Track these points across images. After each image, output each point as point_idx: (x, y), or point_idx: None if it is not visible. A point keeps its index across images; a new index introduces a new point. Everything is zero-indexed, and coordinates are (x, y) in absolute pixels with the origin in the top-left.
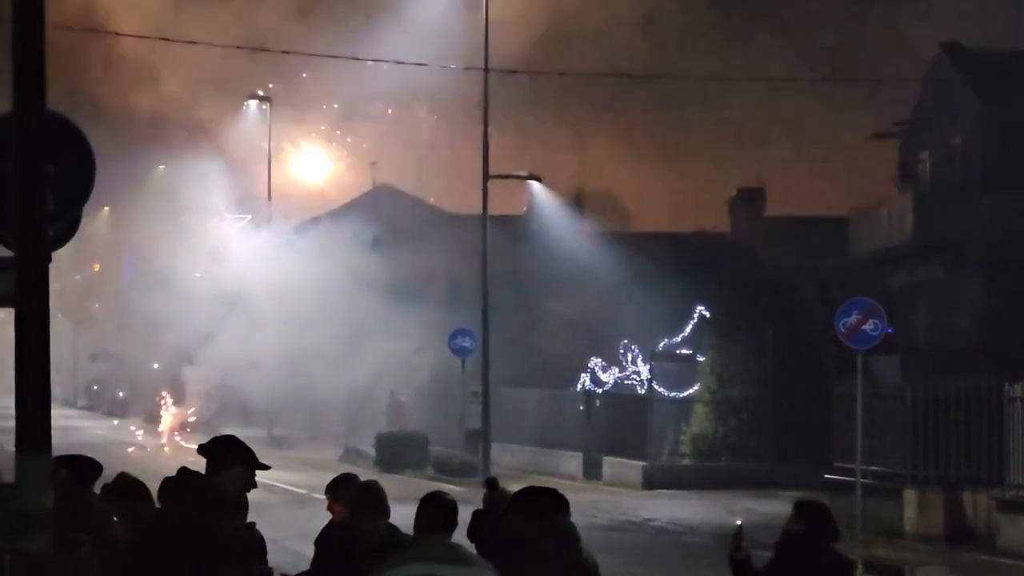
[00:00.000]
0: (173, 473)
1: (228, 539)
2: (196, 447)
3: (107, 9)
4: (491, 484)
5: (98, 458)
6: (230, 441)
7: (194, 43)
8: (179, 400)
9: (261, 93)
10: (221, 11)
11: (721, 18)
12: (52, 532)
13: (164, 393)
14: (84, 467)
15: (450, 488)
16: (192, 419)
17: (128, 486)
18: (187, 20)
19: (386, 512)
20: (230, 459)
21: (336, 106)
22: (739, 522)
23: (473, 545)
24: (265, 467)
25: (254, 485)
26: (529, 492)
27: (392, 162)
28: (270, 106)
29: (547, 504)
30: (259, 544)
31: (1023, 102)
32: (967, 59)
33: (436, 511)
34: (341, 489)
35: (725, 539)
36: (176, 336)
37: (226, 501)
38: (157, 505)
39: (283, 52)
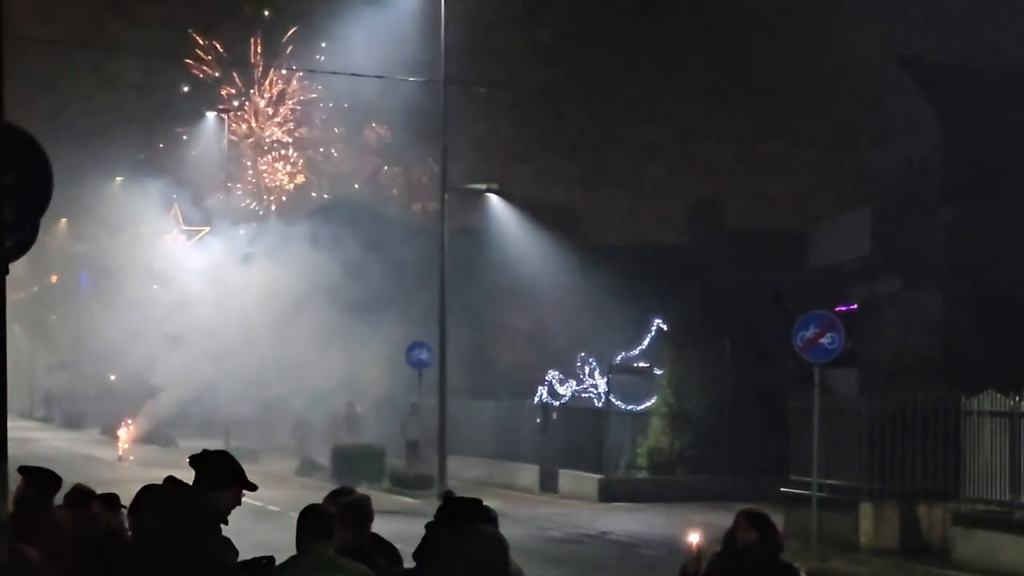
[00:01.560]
0: (130, 484)
1: (227, 555)
2: (189, 458)
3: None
4: (447, 497)
5: (56, 470)
6: (227, 460)
7: (150, 53)
8: (136, 411)
9: (220, 106)
10: (178, 23)
11: (677, 33)
12: (8, 543)
13: (121, 405)
14: (44, 478)
15: (406, 501)
16: (149, 431)
17: (82, 496)
18: (144, 31)
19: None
20: (229, 480)
21: (293, 118)
22: (698, 538)
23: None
24: (253, 487)
25: (239, 503)
26: (451, 502)
27: (349, 174)
28: (228, 118)
29: (469, 513)
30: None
31: (982, 117)
32: (926, 73)
33: (313, 521)
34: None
35: (681, 553)
36: (133, 348)
37: (221, 518)
38: (128, 514)
39: (241, 64)
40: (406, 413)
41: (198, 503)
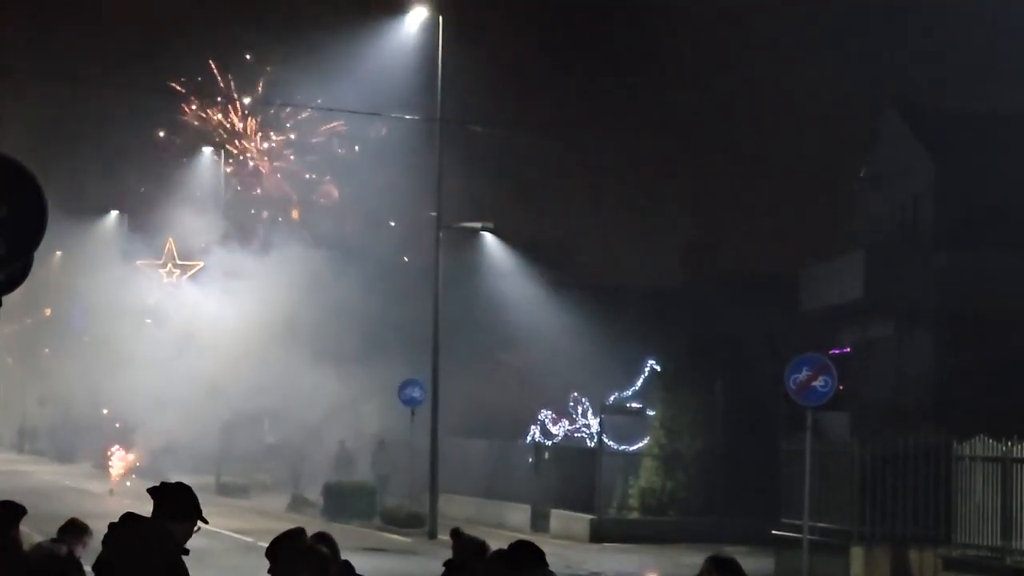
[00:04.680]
0: (115, 518)
1: None
2: (147, 489)
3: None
4: (455, 534)
5: (44, 503)
6: (186, 493)
7: (135, 85)
8: (128, 446)
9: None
10: (171, 55)
11: (672, 74)
12: None
13: (113, 438)
14: (5, 510)
15: (397, 539)
16: (140, 465)
17: (76, 531)
18: (140, 65)
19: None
20: (186, 512)
21: (290, 153)
22: None
23: None
24: (206, 521)
25: (192, 533)
26: (519, 546)
27: (342, 209)
28: (223, 153)
29: (535, 558)
30: None
31: (975, 160)
32: (919, 116)
33: (297, 559)
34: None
35: None
36: (125, 382)
37: (179, 548)
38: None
39: (236, 97)
40: (374, 449)
41: (156, 534)
